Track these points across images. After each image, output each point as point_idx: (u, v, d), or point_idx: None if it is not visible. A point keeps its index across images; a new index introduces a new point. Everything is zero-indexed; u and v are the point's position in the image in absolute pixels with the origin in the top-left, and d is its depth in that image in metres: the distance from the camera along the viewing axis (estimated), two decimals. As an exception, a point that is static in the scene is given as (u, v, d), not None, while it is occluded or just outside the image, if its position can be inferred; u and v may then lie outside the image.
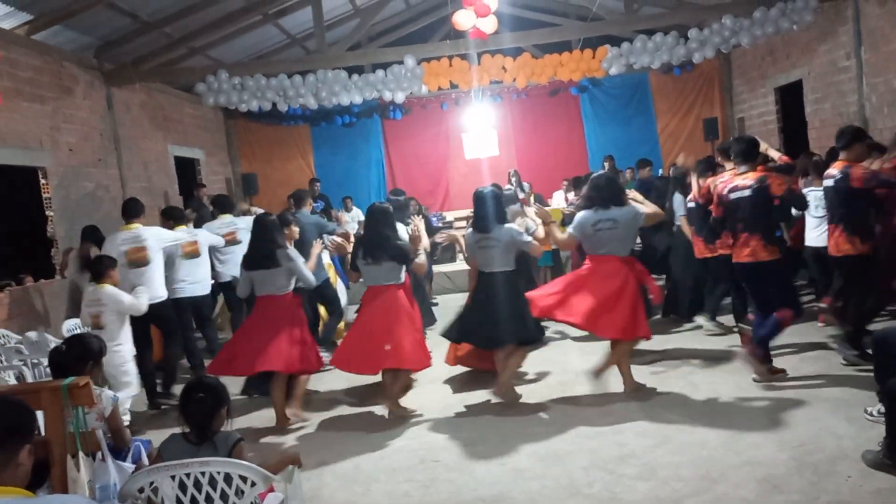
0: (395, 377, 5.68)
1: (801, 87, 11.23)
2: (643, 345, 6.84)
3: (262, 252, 5.68)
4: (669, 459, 4.31)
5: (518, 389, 5.92)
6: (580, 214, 5.70)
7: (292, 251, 5.81)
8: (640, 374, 6.12)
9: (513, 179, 13.01)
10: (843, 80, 10.04)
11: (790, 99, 11.88)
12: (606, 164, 12.80)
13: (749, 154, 5.57)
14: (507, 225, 5.71)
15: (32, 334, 6.30)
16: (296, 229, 6.47)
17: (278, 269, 5.63)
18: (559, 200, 12.48)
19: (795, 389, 5.32)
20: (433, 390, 6.33)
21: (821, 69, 10.60)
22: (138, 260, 6.57)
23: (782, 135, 12.38)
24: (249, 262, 5.75)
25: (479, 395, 5.93)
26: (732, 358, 6.14)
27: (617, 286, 5.43)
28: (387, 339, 5.49)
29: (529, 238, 5.67)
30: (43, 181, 8.21)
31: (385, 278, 5.68)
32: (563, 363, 6.71)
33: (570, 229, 5.76)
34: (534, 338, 5.77)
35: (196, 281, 7.44)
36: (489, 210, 5.71)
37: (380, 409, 5.84)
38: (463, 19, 8.54)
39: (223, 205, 8.37)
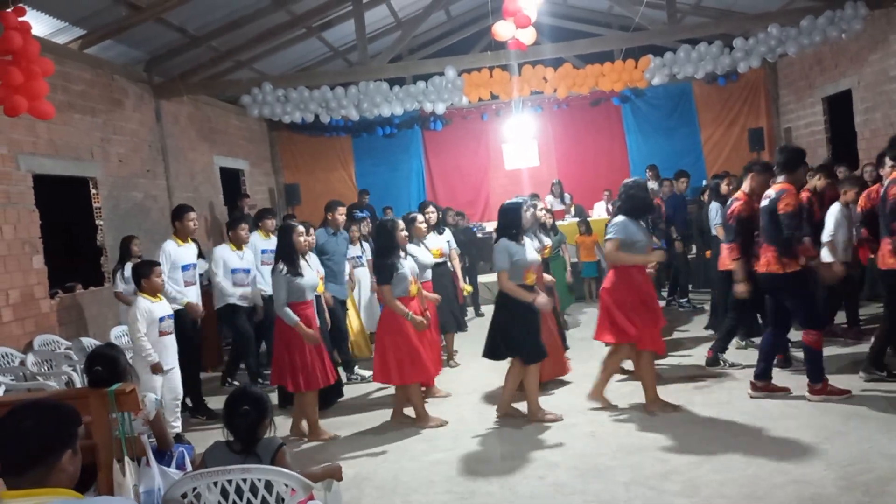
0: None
1: (851, 97, 10.98)
2: (685, 359, 6.76)
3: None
4: (713, 477, 4.22)
5: (557, 403, 5.90)
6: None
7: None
8: (685, 388, 6.04)
9: (555, 190, 12.99)
10: (894, 90, 9.79)
11: (839, 109, 11.62)
12: (649, 174, 12.69)
13: (786, 164, 5.51)
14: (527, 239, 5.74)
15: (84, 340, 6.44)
16: (311, 238, 6.37)
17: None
18: (600, 211, 12.40)
19: (843, 407, 5.17)
20: (473, 402, 6.32)
21: (871, 78, 10.35)
22: None
23: (830, 146, 12.12)
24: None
25: (520, 408, 5.88)
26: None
27: None
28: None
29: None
30: (93, 191, 8.44)
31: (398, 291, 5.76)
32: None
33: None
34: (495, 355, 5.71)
35: None
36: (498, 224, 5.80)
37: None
38: (502, 30, 8.55)
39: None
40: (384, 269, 5.70)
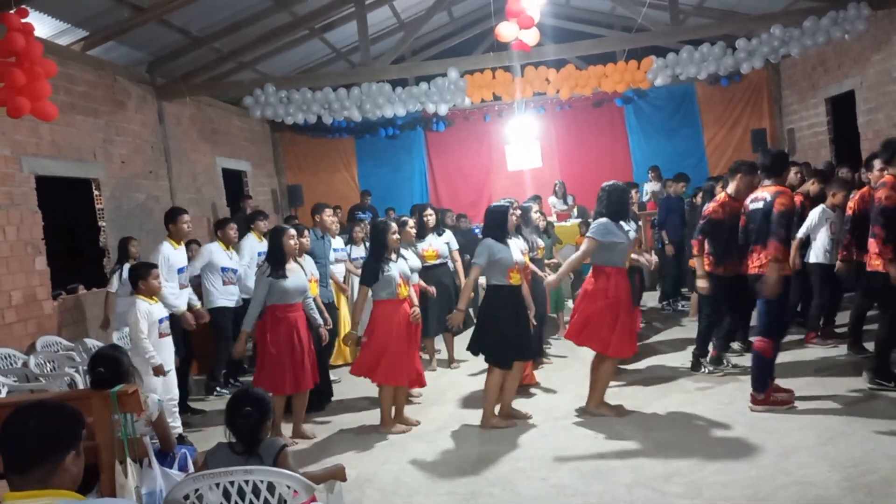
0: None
1: (854, 98, 10.96)
2: (688, 362, 6.74)
3: None
4: (716, 478, 4.21)
5: (558, 404, 5.89)
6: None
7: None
8: (685, 390, 6.03)
9: (558, 191, 12.98)
10: (897, 90, 9.78)
11: (842, 110, 11.60)
12: (651, 175, 12.70)
13: (774, 168, 5.49)
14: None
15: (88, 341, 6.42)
16: (305, 241, 6.41)
17: None
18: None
19: (847, 408, 5.17)
20: (474, 404, 6.30)
21: (874, 79, 10.33)
22: None
23: (834, 146, 12.09)
24: None
25: (522, 408, 5.88)
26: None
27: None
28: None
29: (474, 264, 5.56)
30: (96, 192, 8.45)
31: (374, 294, 5.75)
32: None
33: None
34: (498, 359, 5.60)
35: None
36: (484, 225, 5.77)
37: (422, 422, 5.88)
38: (506, 31, 8.54)
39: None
40: (369, 270, 5.71)
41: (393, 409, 5.85)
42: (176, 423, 5.61)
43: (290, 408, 5.89)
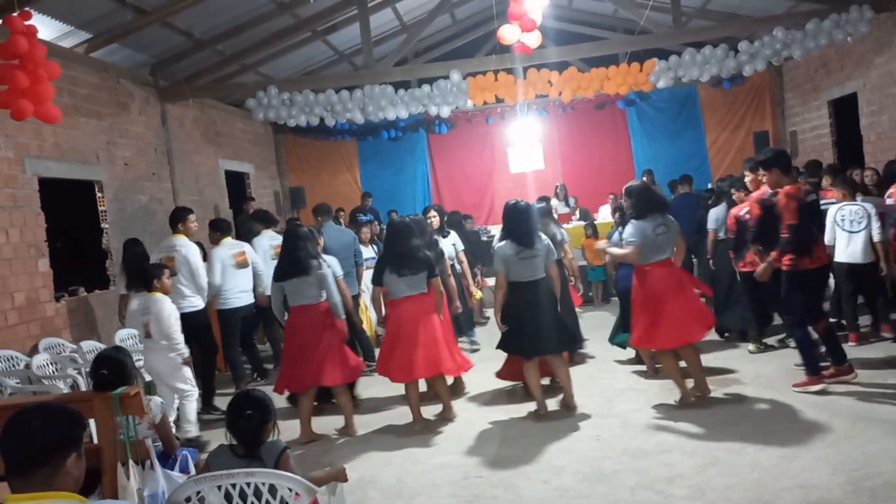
0: (433, 384, 5.91)
1: (856, 100, 10.95)
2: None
3: (293, 261, 5.76)
4: (719, 481, 4.20)
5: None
6: (638, 223, 5.64)
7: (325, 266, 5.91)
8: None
9: (559, 193, 12.97)
10: (900, 93, 9.76)
11: (845, 112, 11.59)
12: (645, 178, 12.66)
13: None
14: (543, 236, 5.86)
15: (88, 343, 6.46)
16: (320, 241, 6.55)
17: (308, 277, 5.69)
18: (605, 214, 12.38)
19: (850, 410, 5.15)
20: (478, 405, 6.30)
21: (877, 81, 10.32)
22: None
23: (836, 148, 12.08)
24: (280, 273, 5.83)
25: (524, 410, 5.88)
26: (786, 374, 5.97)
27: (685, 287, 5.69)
28: (417, 348, 5.66)
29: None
30: (99, 194, 8.46)
31: (415, 288, 5.76)
32: (610, 381, 6.61)
33: (632, 238, 5.63)
34: (577, 342, 5.93)
35: (243, 290, 7.39)
36: (534, 225, 5.80)
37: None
38: (508, 34, 8.55)
39: (266, 220, 8.45)
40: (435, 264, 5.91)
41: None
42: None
43: (295, 404, 5.95)
